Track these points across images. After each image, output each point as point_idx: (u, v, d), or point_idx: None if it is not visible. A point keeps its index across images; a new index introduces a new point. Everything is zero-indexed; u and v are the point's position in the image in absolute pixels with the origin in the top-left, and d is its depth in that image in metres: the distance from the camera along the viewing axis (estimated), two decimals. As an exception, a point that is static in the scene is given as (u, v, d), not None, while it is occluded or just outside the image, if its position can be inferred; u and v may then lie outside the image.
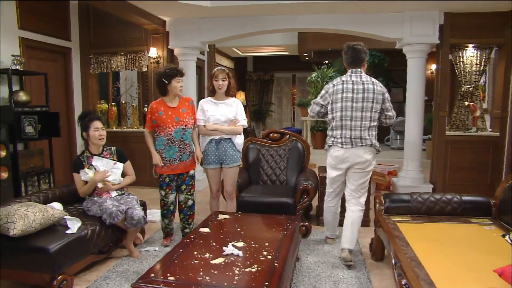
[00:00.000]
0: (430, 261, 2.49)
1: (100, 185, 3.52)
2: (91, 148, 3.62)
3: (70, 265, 3.00)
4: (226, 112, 3.86)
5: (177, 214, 4.04)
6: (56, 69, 5.95)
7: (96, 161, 3.56)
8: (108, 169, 3.57)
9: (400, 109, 11.68)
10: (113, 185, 3.60)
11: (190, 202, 3.97)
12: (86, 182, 3.49)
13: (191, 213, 4.01)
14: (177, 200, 4.00)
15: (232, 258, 2.50)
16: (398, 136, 9.67)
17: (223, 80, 3.84)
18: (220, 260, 2.45)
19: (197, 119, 3.94)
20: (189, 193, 3.95)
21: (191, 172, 3.95)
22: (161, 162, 3.78)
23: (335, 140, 3.48)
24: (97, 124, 3.56)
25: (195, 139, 3.99)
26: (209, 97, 3.99)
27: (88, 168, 3.51)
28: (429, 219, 3.38)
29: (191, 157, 3.91)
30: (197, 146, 4.01)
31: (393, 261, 2.75)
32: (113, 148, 3.75)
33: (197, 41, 6.07)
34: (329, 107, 3.53)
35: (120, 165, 3.66)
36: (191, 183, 3.96)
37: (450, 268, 2.43)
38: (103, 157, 3.62)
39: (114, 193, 3.63)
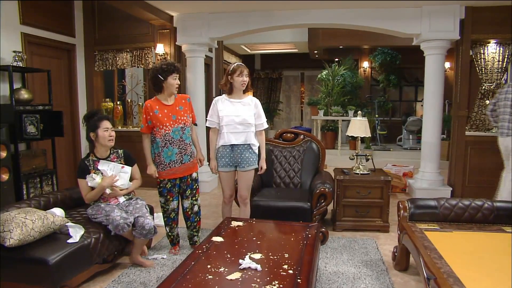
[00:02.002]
0: (469, 277, 2.25)
1: (108, 191, 3.26)
2: (98, 151, 3.33)
3: (72, 277, 2.79)
4: (242, 112, 3.56)
5: (181, 220, 3.78)
6: (60, 66, 5.75)
7: (103, 165, 3.28)
8: (116, 174, 3.31)
9: (411, 108, 11.46)
10: (121, 190, 3.35)
11: (196, 208, 3.70)
12: (92, 188, 3.23)
13: (198, 219, 3.75)
14: (180, 206, 3.71)
15: (249, 272, 2.26)
16: (410, 136, 9.39)
17: (247, 76, 3.56)
18: (236, 275, 2.21)
19: (208, 120, 3.67)
20: (194, 198, 3.67)
21: (194, 174, 3.65)
22: (156, 173, 3.50)
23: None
24: (107, 124, 3.29)
25: (195, 139, 3.69)
26: (224, 95, 3.70)
27: (94, 172, 3.24)
28: (458, 227, 3.14)
29: (193, 158, 3.63)
30: (198, 148, 3.73)
31: (425, 275, 2.50)
32: (120, 151, 3.47)
33: (206, 37, 5.86)
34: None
35: (128, 169, 3.40)
36: (195, 186, 3.67)
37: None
38: (110, 160, 3.35)
39: (122, 199, 3.38)
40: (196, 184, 3.68)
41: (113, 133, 3.33)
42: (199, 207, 3.74)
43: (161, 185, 3.56)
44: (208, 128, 3.74)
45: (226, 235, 2.90)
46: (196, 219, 3.72)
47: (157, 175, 3.50)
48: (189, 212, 3.68)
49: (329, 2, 5.34)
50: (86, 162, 3.29)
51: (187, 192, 3.63)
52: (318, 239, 2.95)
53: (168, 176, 3.51)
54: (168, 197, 3.57)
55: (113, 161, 3.36)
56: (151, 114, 3.43)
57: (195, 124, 3.74)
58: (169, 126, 3.43)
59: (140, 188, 6.23)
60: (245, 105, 3.60)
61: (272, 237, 2.96)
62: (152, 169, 3.50)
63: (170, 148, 3.45)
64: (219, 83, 3.72)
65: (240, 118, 3.55)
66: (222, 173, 3.68)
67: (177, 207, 3.66)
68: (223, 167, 3.64)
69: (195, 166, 3.67)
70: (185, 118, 3.52)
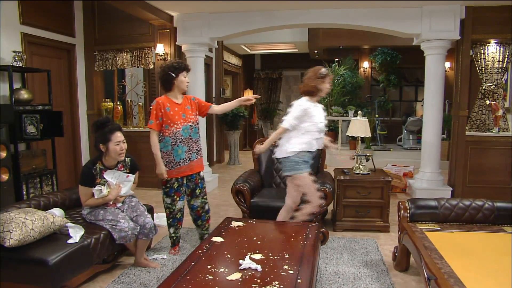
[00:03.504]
0: (470, 277, 2.24)
1: (111, 202, 3.25)
2: (106, 160, 3.22)
3: (72, 277, 2.78)
4: (323, 118, 3.54)
5: (188, 220, 3.78)
6: (60, 66, 5.74)
7: (108, 175, 3.20)
8: (120, 182, 3.26)
9: (411, 108, 11.45)
10: (121, 197, 3.32)
11: (206, 207, 3.74)
12: (93, 195, 3.17)
13: (208, 217, 3.78)
14: (189, 206, 3.70)
15: (250, 273, 2.25)
16: (410, 136, 9.39)
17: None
18: (237, 276, 2.20)
19: (289, 121, 3.36)
20: (205, 197, 3.70)
21: (202, 173, 3.69)
22: (166, 173, 3.43)
23: None
24: (119, 136, 3.15)
25: (231, 104, 3.70)
26: (305, 98, 3.45)
27: (100, 182, 3.17)
28: (459, 227, 3.14)
29: (200, 156, 3.61)
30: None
31: (426, 275, 2.49)
32: (128, 160, 3.39)
33: (206, 37, 5.85)
34: None
35: (132, 177, 3.35)
36: (204, 185, 3.71)
37: None
38: (117, 169, 3.28)
39: (119, 204, 3.34)
40: (204, 183, 3.72)
41: (125, 146, 3.22)
42: (209, 205, 3.78)
43: (168, 185, 3.52)
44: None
45: (226, 235, 2.90)
46: (206, 217, 3.75)
47: (166, 176, 3.45)
48: (200, 211, 3.69)
49: (329, 2, 5.34)
50: (93, 171, 3.18)
51: (196, 191, 3.64)
52: (318, 239, 2.94)
53: (177, 175, 3.49)
54: (175, 197, 3.54)
55: (119, 170, 3.30)
56: (163, 111, 3.41)
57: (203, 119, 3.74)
58: (179, 124, 3.44)
59: (140, 188, 6.27)
60: (321, 110, 3.57)
61: (272, 237, 2.95)
62: (162, 169, 3.42)
63: (180, 146, 3.45)
64: (305, 84, 3.44)
65: (324, 123, 3.52)
66: (310, 177, 3.47)
67: (183, 207, 3.64)
68: (308, 170, 3.47)
69: (202, 164, 3.69)
70: (193, 117, 3.55)
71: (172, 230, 3.67)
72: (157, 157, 3.42)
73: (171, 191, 3.53)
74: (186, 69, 3.49)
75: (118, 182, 3.25)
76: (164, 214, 4.72)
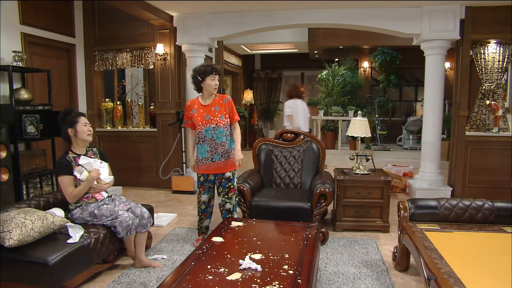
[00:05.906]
0: (470, 277, 2.24)
1: (95, 182, 3.24)
2: (75, 148, 3.28)
3: (72, 277, 2.78)
4: None
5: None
6: (60, 66, 5.74)
7: (83, 160, 3.24)
8: (96, 167, 3.29)
9: (411, 108, 11.45)
10: (104, 184, 3.33)
11: (228, 206, 3.82)
12: (75, 185, 3.17)
13: (230, 216, 3.82)
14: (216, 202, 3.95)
15: (249, 273, 2.25)
16: (410, 136, 9.40)
17: None
18: (236, 276, 2.21)
19: None
20: (226, 196, 3.81)
21: (227, 174, 3.76)
22: (194, 168, 3.82)
23: None
24: (85, 119, 3.31)
25: (236, 138, 3.83)
26: None
27: (77, 169, 3.20)
28: (459, 227, 3.13)
29: (225, 159, 3.72)
30: (237, 147, 3.83)
31: (425, 275, 2.50)
32: (95, 149, 3.48)
33: (206, 37, 5.85)
34: None
35: (105, 164, 3.39)
36: (227, 185, 3.79)
37: None
38: (88, 157, 3.34)
39: (105, 194, 3.37)
40: (229, 183, 3.80)
41: (91, 128, 3.35)
42: (233, 205, 3.84)
43: (197, 177, 3.84)
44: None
45: (226, 235, 2.90)
46: (227, 216, 3.80)
47: (195, 170, 3.82)
48: (221, 209, 3.86)
49: (329, 2, 5.34)
50: (67, 158, 3.21)
51: (219, 189, 3.83)
52: (318, 239, 2.94)
53: (200, 171, 3.77)
54: (200, 189, 3.83)
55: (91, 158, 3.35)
56: (190, 112, 3.73)
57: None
58: (201, 125, 3.67)
59: (140, 188, 6.28)
60: None
61: (272, 238, 2.95)
62: (191, 162, 3.86)
63: (203, 145, 3.70)
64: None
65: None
66: None
67: (208, 201, 3.86)
68: None
69: (229, 166, 3.77)
70: (217, 118, 3.67)
71: (198, 218, 3.93)
72: (190, 152, 3.89)
73: (198, 183, 3.84)
74: (214, 71, 3.63)
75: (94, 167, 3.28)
76: (164, 214, 4.80)
